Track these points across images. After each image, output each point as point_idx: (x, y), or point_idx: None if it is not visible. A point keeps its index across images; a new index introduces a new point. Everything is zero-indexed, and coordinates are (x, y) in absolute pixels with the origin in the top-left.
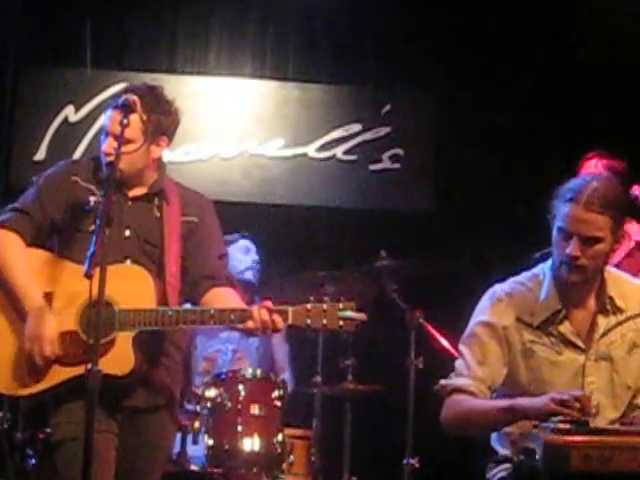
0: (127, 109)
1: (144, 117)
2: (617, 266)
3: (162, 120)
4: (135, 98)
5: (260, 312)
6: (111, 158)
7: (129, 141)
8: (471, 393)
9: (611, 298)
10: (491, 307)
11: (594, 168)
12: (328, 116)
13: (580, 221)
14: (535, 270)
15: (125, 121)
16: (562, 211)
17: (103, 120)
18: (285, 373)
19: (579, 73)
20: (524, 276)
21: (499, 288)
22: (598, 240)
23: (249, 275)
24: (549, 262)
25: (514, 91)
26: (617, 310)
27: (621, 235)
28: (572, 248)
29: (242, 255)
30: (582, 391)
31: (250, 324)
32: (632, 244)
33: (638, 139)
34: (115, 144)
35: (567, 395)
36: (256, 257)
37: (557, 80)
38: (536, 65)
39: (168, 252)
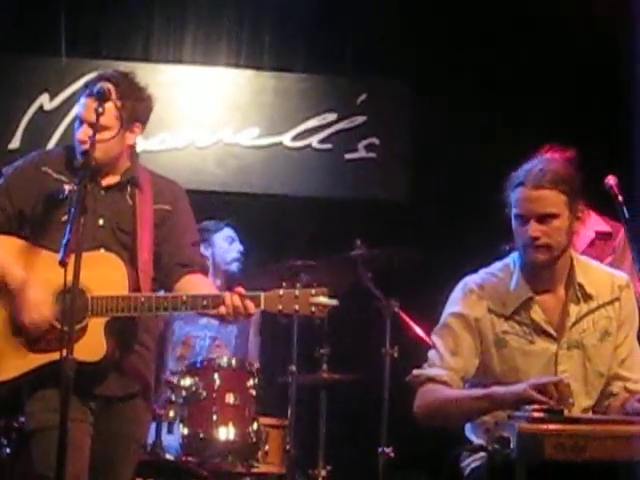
0: (102, 97)
1: (119, 104)
2: None
3: (136, 106)
4: (110, 86)
5: (232, 298)
6: (86, 146)
7: (104, 128)
8: (444, 383)
9: (581, 285)
10: (463, 298)
11: None
12: (303, 105)
13: (531, 201)
14: (506, 260)
15: (100, 109)
16: (514, 198)
17: (77, 108)
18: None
19: (558, 63)
20: (495, 266)
21: (470, 279)
22: (553, 216)
23: (234, 267)
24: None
25: (491, 81)
26: (588, 298)
27: (580, 211)
28: (530, 229)
29: (226, 244)
30: (560, 377)
31: (222, 310)
32: (592, 234)
33: (618, 133)
34: (90, 132)
35: (546, 380)
36: (240, 247)
37: (536, 69)
38: (514, 55)
39: (140, 240)
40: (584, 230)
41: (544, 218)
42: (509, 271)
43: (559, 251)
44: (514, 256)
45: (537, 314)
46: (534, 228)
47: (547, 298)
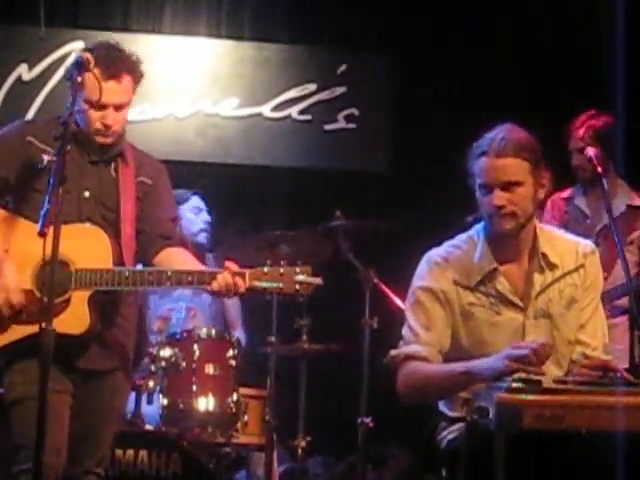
0: (81, 67)
1: (133, 77)
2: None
3: (142, 75)
4: (89, 56)
5: (224, 275)
6: (115, 129)
7: (125, 106)
8: (424, 359)
9: (544, 255)
10: (429, 272)
11: (578, 132)
12: (283, 76)
13: (494, 169)
14: (470, 232)
15: (79, 79)
16: (477, 168)
17: (90, 93)
18: (237, 330)
19: (538, 36)
20: (459, 239)
21: (434, 253)
22: (517, 184)
23: (202, 238)
24: (482, 223)
25: (472, 51)
26: (552, 267)
27: (543, 177)
28: (495, 198)
29: (193, 215)
30: (536, 342)
31: (215, 286)
32: (623, 207)
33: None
34: (114, 114)
35: (525, 350)
36: (207, 217)
37: (519, 41)
38: (497, 26)
39: (123, 213)
40: (615, 201)
41: (508, 186)
42: (473, 243)
43: (525, 219)
44: (478, 227)
45: (502, 285)
46: (499, 196)
47: (511, 268)
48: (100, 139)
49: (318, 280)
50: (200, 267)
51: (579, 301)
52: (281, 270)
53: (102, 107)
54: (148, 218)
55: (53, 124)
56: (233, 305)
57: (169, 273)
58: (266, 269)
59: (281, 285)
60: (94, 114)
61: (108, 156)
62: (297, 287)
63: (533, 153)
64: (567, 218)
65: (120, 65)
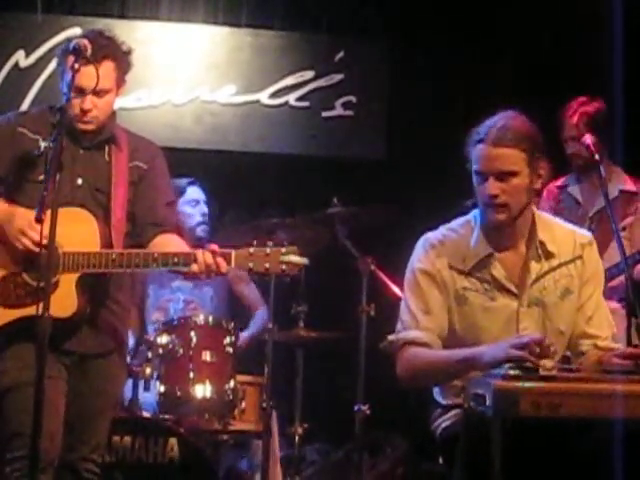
0: (78, 53)
1: (116, 64)
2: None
3: (127, 63)
4: (85, 42)
5: (204, 255)
6: (93, 114)
7: (107, 92)
8: (425, 344)
9: (542, 243)
10: (425, 254)
11: (572, 120)
12: (281, 63)
13: (491, 158)
14: (468, 216)
15: (76, 65)
16: (474, 154)
17: (67, 77)
18: (261, 310)
19: (535, 22)
20: (456, 222)
21: (431, 235)
22: (513, 174)
23: (200, 231)
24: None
25: (471, 38)
26: (549, 255)
27: (541, 168)
28: (489, 187)
29: (191, 208)
30: (541, 335)
31: (194, 267)
32: (616, 192)
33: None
34: (95, 100)
35: (527, 339)
36: (205, 209)
37: (518, 26)
38: (494, 12)
39: (115, 196)
40: (609, 186)
41: (503, 176)
42: (470, 227)
43: (518, 210)
44: (475, 212)
45: (497, 270)
46: (493, 186)
47: (508, 255)
48: (81, 125)
49: (304, 260)
50: (187, 249)
51: (574, 292)
52: (267, 250)
53: (81, 92)
54: (142, 203)
55: (45, 114)
56: (249, 289)
57: (155, 255)
58: (252, 250)
59: (267, 265)
60: (74, 99)
61: (98, 141)
62: (283, 267)
63: (532, 143)
64: (562, 207)
65: (102, 51)
